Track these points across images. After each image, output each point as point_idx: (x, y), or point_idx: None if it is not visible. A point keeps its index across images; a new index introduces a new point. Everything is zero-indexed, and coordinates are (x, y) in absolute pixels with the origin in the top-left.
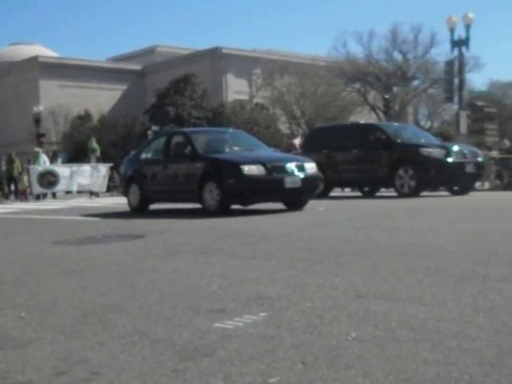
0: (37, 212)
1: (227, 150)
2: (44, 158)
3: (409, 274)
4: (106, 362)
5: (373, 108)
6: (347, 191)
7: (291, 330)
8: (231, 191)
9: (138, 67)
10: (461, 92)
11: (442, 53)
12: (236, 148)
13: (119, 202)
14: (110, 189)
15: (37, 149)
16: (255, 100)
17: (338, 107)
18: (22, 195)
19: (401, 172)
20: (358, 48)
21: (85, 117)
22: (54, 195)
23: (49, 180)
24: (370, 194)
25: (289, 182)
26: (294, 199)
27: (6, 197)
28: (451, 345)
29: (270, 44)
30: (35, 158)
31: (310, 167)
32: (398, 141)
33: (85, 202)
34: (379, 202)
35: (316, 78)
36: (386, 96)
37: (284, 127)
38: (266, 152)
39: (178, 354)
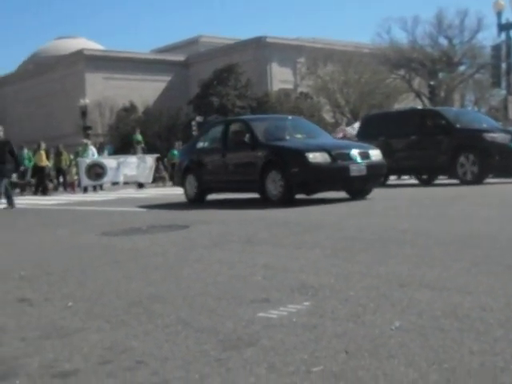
0: (84, 203)
1: (288, 137)
2: (92, 150)
3: (455, 262)
4: (150, 351)
5: (418, 95)
6: (404, 179)
7: (334, 319)
8: (296, 180)
9: (181, 58)
10: (508, 77)
11: (488, 37)
12: (297, 135)
13: (166, 192)
14: (156, 179)
15: (85, 141)
16: (300, 89)
17: (383, 95)
18: (70, 187)
19: (462, 158)
20: (403, 34)
21: (130, 109)
22: (101, 187)
23: (96, 172)
24: (428, 182)
25: (354, 170)
26: (359, 188)
27: (56, 189)
28: (497, 334)
29: (314, 32)
30: (84, 150)
31: (375, 154)
32: (459, 126)
33: (132, 193)
34: (436, 189)
35: (360, 65)
36: (432, 82)
37: (328, 116)
38: (329, 139)
39: (222, 343)
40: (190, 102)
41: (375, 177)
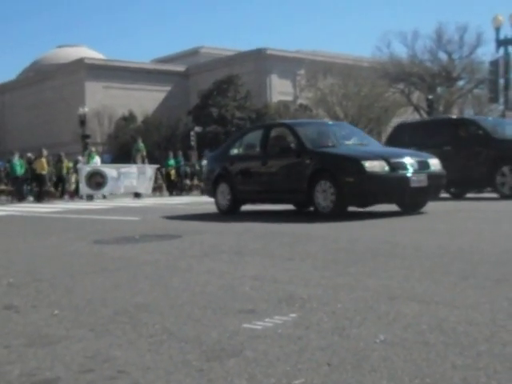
0: (80, 212)
1: (337, 144)
2: (97, 159)
3: (444, 276)
4: (132, 361)
5: (416, 109)
6: None
7: (319, 332)
8: (350, 191)
9: (181, 68)
10: (506, 92)
11: (488, 52)
12: (346, 142)
13: (163, 202)
14: (153, 189)
15: (92, 148)
16: (299, 101)
17: (382, 108)
18: (68, 195)
19: (504, 170)
20: (402, 48)
21: (129, 118)
22: (104, 196)
23: (97, 181)
24: (458, 196)
25: (414, 181)
26: (419, 200)
27: (55, 196)
28: (481, 349)
29: (314, 45)
30: (89, 158)
31: (435, 164)
32: (497, 136)
33: (129, 202)
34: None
35: (359, 78)
36: (430, 96)
37: None
38: (381, 146)
39: (205, 353)
40: (190, 113)
41: (435, 188)
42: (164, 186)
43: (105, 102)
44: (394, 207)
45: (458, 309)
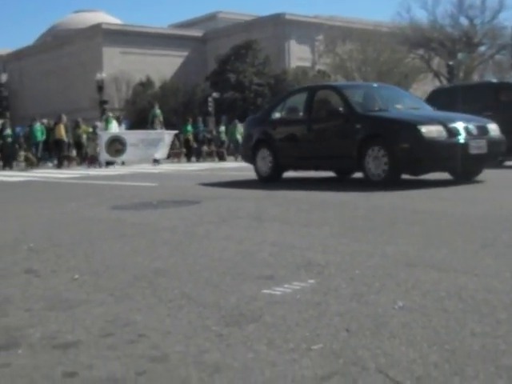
0: (100, 178)
1: (388, 107)
2: (115, 124)
3: (464, 244)
4: (152, 325)
5: (436, 75)
6: None
7: (338, 298)
8: (406, 158)
9: (199, 34)
10: None
11: (510, 18)
12: (397, 105)
13: (182, 168)
14: (171, 155)
15: (109, 113)
16: (317, 67)
17: (401, 74)
18: (88, 161)
19: None
20: (423, 13)
21: (146, 83)
22: (122, 162)
23: (116, 148)
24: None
25: (473, 147)
26: (475, 168)
27: (74, 162)
28: (501, 317)
29: (333, 10)
30: (107, 123)
31: (494, 129)
32: None
33: (148, 168)
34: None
35: (379, 44)
36: (451, 62)
37: None
38: (435, 110)
39: (224, 319)
40: (207, 78)
41: (494, 155)
42: (182, 152)
43: (122, 67)
44: (445, 175)
45: (477, 277)
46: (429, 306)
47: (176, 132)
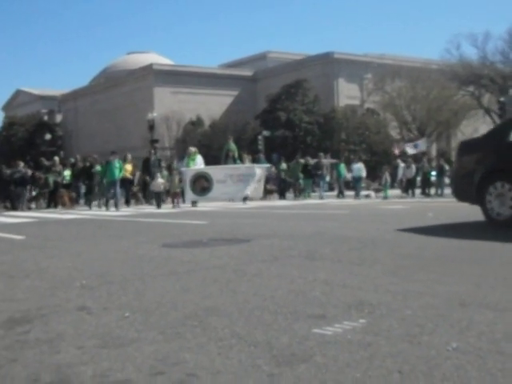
0: (151, 215)
1: None
2: (200, 160)
3: None
4: (202, 364)
5: (487, 111)
6: None
7: (389, 338)
8: None
9: (249, 73)
10: None
11: None
12: None
13: (232, 206)
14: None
15: (192, 148)
16: (366, 105)
17: (451, 111)
18: (172, 198)
19: None
20: (472, 50)
21: (196, 122)
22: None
23: (202, 185)
24: None
25: None
26: None
27: (140, 200)
28: None
29: (382, 48)
30: (190, 160)
31: None
32: None
33: (235, 204)
34: None
35: (428, 81)
36: (502, 99)
37: (394, 132)
38: None
39: (275, 358)
40: (257, 117)
41: None
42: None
43: (173, 106)
44: None
45: None
46: (484, 348)
47: (269, 166)
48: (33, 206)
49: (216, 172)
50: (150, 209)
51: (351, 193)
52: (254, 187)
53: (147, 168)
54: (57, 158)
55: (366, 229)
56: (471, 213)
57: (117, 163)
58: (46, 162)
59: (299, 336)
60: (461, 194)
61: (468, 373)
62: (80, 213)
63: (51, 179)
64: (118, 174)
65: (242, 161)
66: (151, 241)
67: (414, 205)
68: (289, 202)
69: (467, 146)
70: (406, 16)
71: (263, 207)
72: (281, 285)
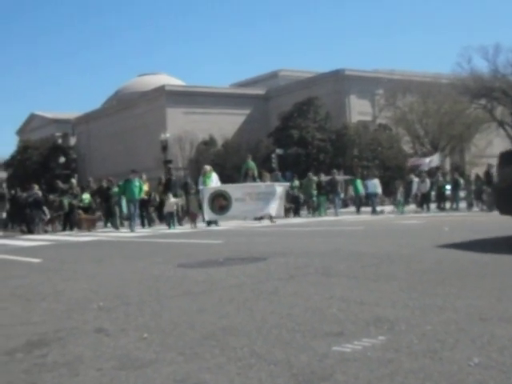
0: (167, 236)
1: None
2: (215, 177)
3: None
4: None
5: (501, 124)
6: None
7: (410, 355)
8: None
9: (261, 92)
10: None
11: None
12: None
13: (247, 224)
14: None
15: (207, 167)
16: (378, 120)
17: (463, 125)
18: (191, 218)
19: None
20: (483, 63)
21: (209, 142)
22: (216, 223)
23: (220, 204)
24: None
25: None
26: None
27: (155, 221)
28: None
29: (392, 64)
30: (206, 178)
31: None
32: None
33: (250, 223)
34: None
35: (439, 95)
36: None
37: (407, 147)
38: None
39: (295, 377)
40: (270, 135)
41: None
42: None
43: (185, 127)
44: None
45: None
46: (507, 363)
47: (289, 184)
48: (49, 229)
49: (234, 190)
50: (165, 229)
51: (367, 209)
52: (275, 206)
53: (169, 188)
54: (74, 181)
55: (381, 245)
56: (490, 227)
57: (137, 182)
58: (62, 185)
59: (318, 354)
60: (504, 207)
61: None
62: (96, 235)
63: (66, 201)
64: (138, 193)
65: (261, 179)
66: (166, 261)
67: (429, 219)
68: (303, 220)
69: (508, 157)
70: (415, 31)
71: (278, 225)
72: (297, 302)
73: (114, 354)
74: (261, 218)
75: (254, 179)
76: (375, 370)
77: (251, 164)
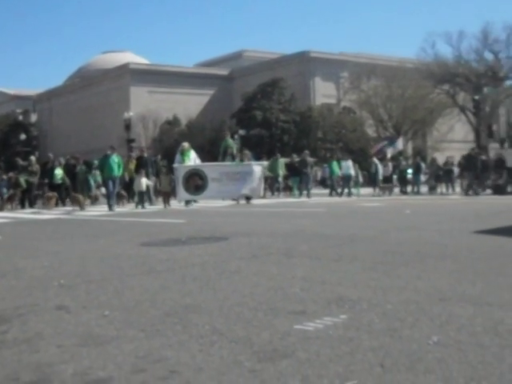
0: (129, 215)
1: None
2: (194, 155)
3: (498, 278)
4: (184, 361)
5: (462, 110)
6: None
7: (371, 333)
8: None
9: (225, 72)
10: None
11: None
12: None
13: (210, 204)
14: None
15: (185, 144)
16: (342, 103)
17: (426, 109)
18: (163, 198)
19: None
20: (447, 49)
21: (173, 122)
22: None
23: (196, 183)
24: None
25: None
26: None
27: (126, 199)
28: None
29: (357, 47)
30: (185, 156)
31: None
32: None
33: (214, 203)
34: None
35: (404, 80)
36: (476, 97)
37: (371, 130)
38: None
39: (256, 354)
40: (233, 116)
41: None
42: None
43: (149, 106)
44: None
45: None
46: (464, 341)
47: (264, 163)
48: (8, 206)
49: (211, 170)
50: (132, 208)
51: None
52: (253, 186)
53: (141, 166)
54: (33, 158)
55: (344, 226)
56: (450, 209)
57: (115, 158)
58: (22, 162)
59: (280, 332)
60: None
61: (449, 366)
62: (56, 213)
63: (22, 179)
64: (117, 170)
65: (241, 157)
66: (129, 240)
67: (391, 202)
68: (268, 201)
69: None
70: (381, 15)
71: (241, 206)
72: (260, 282)
73: (75, 331)
74: (248, 198)
75: (233, 158)
76: (336, 348)
77: (230, 142)
